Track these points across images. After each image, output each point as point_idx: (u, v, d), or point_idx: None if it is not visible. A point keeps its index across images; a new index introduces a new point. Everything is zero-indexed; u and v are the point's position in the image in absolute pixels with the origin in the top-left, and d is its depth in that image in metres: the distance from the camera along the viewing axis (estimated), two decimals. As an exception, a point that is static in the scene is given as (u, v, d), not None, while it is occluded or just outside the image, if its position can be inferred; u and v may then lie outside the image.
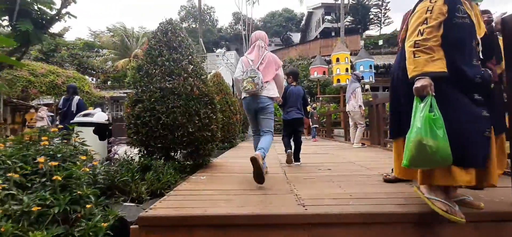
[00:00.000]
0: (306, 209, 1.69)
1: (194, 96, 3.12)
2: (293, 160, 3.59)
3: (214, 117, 3.35)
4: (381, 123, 5.57)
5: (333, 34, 33.60)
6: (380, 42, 32.05)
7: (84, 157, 2.18)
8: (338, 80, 12.25)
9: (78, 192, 1.76)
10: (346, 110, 6.27)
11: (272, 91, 2.84)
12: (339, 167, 3.40)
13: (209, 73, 16.39)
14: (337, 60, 12.26)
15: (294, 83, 3.84)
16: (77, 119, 3.70)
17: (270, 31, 39.34)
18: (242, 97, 2.91)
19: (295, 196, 2.03)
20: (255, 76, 2.67)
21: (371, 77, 12.04)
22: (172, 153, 3.22)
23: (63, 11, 4.51)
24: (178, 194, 2.14)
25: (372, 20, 36.13)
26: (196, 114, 3.09)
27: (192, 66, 3.24)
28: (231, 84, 8.99)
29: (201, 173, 3.07)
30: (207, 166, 3.43)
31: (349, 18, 32.48)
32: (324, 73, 12.67)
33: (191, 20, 38.95)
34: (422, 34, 1.50)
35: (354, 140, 6.14)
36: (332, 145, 7.24)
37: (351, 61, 12.74)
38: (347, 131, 7.75)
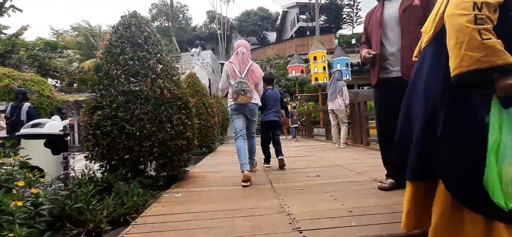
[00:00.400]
0: (304, 237, 1.39)
1: (165, 100, 2.71)
2: (284, 164, 3.53)
3: (189, 123, 2.96)
4: (363, 121, 5.47)
5: (308, 33, 34.04)
6: (353, 41, 33.05)
7: (21, 183, 1.71)
8: (316, 79, 12.25)
9: (9, 235, 1.34)
10: (330, 109, 6.06)
11: (256, 98, 3.09)
12: (328, 173, 3.16)
13: (183, 73, 15.74)
14: (315, 58, 12.25)
15: (270, 87, 3.87)
16: (24, 130, 3.12)
17: (245, 30, 39.05)
18: (232, 104, 3.01)
19: (287, 216, 1.73)
20: (248, 90, 2.88)
21: (347, 75, 12.16)
22: (141, 166, 2.78)
23: (7, 3, 3.85)
24: (146, 222, 1.74)
25: (345, 19, 37.18)
26: (168, 120, 2.68)
27: (162, 66, 2.82)
28: (207, 85, 8.54)
29: (176, 188, 2.67)
30: (183, 178, 3.03)
31: (323, 17, 33.06)
32: (302, 71, 12.60)
33: (163, 18, 37.52)
34: (480, 9, 0.97)
35: (340, 140, 5.98)
36: (314, 145, 7.09)
37: (328, 60, 12.80)
38: (328, 130, 7.65)
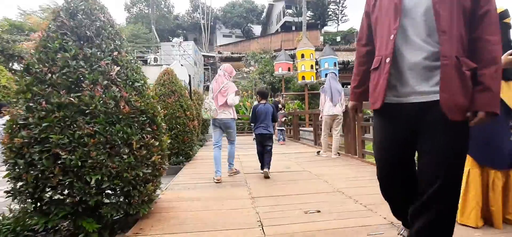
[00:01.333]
0: None
1: (122, 116, 2.01)
2: (268, 176, 3.79)
3: (157, 143, 2.27)
4: (359, 131, 5.00)
5: (294, 28, 33.59)
6: (338, 39, 33.06)
7: None
8: (303, 77, 11.75)
9: None
10: (331, 114, 5.43)
11: (227, 113, 3.67)
12: (331, 206, 2.59)
13: (162, 65, 14.71)
14: (302, 56, 11.74)
15: (263, 101, 4.12)
16: None
17: (230, 21, 37.93)
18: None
19: None
20: (210, 108, 3.55)
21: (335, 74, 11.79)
22: (84, 206, 2.06)
23: None
24: None
25: (330, 16, 37.07)
26: (125, 143, 1.98)
27: (119, 68, 2.10)
28: (187, 81, 7.76)
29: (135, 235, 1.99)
30: (146, 215, 2.34)
31: (309, 13, 32.67)
32: (289, 69, 12.06)
33: (143, 4, 35.46)
34: None
35: (333, 150, 5.50)
36: (303, 152, 6.57)
37: (315, 58, 12.34)
38: (317, 135, 7.18)
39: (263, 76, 18.58)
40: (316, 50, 16.70)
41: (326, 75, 5.85)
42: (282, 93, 11.53)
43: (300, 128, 9.37)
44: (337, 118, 5.42)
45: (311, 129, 9.18)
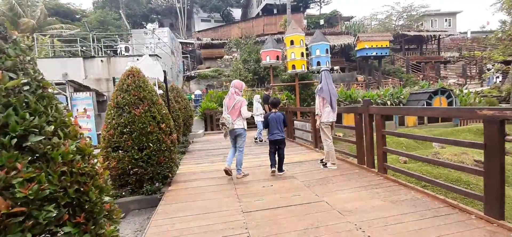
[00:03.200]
0: None
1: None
2: (276, 172, 4.53)
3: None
4: (379, 140, 4.06)
5: (275, 11, 32.15)
6: (321, 22, 32.11)
7: None
8: (294, 66, 10.68)
9: None
10: (331, 120, 4.72)
11: (240, 123, 4.40)
12: None
13: (132, 56, 13.00)
14: (291, 42, 10.62)
15: (274, 110, 4.58)
16: None
17: (208, 4, 35.69)
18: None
19: None
20: (226, 123, 4.24)
21: (327, 62, 10.85)
22: None
23: None
24: None
25: (313, -2, 35.86)
26: None
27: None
28: (162, 78, 6.45)
29: None
30: None
31: (291, -5, 31.27)
32: (277, 58, 10.93)
33: (111, -13, 32.31)
34: None
35: (330, 160, 4.71)
36: (304, 160, 5.62)
37: (306, 44, 11.28)
38: (317, 137, 6.24)
39: (247, 64, 17.33)
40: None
41: (319, 72, 4.93)
42: (271, 85, 10.45)
43: (295, 127, 8.39)
44: (334, 124, 4.88)
45: (305, 123, 8.25)
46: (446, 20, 37.32)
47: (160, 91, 6.43)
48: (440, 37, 28.80)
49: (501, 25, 20.90)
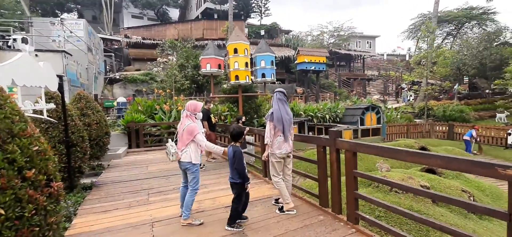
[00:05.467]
0: None
1: None
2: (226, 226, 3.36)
3: None
4: (350, 180, 3.25)
5: (216, 16, 30.93)
6: (262, 32, 32.27)
7: None
8: (237, 77, 9.63)
9: None
10: (284, 153, 3.74)
11: (188, 156, 3.39)
12: None
13: (35, 53, 9.91)
14: (235, 51, 9.58)
15: (233, 143, 3.41)
16: None
17: (141, 0, 32.13)
18: None
19: None
20: (169, 152, 3.43)
21: (272, 74, 10.18)
22: None
23: None
24: None
25: (253, 8, 35.99)
26: None
27: None
28: (55, 87, 4.49)
29: None
30: None
31: (233, 2, 30.61)
32: (219, 66, 9.71)
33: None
34: None
35: (284, 200, 3.75)
36: (254, 198, 4.52)
37: (251, 54, 10.39)
38: (265, 165, 5.25)
39: (184, 69, 15.51)
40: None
41: (273, 94, 3.88)
42: (211, 97, 9.15)
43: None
44: (290, 157, 3.87)
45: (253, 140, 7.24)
46: (368, 42, 42.25)
47: (50, 106, 4.47)
48: (365, 57, 32.16)
49: (418, 51, 24.15)
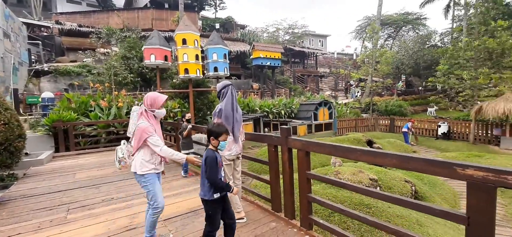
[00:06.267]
0: None
1: None
2: None
3: None
4: (304, 183, 2.92)
5: (167, 6, 28.95)
6: (217, 26, 31.26)
7: None
8: (187, 70, 8.85)
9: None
10: (235, 154, 3.29)
11: (135, 166, 2.59)
12: None
13: None
14: (184, 41, 8.77)
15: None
16: None
17: (78, -17, 28.45)
18: None
19: None
20: (120, 157, 2.75)
21: (225, 68, 9.61)
22: None
23: None
24: None
25: (208, 0, 34.67)
26: None
27: None
28: None
29: None
30: None
31: (185, -8, 28.93)
32: (165, 58, 8.79)
33: None
34: None
35: (235, 209, 3.31)
36: (194, 207, 3.98)
37: (201, 46, 9.66)
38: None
39: (128, 61, 13.96)
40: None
41: (224, 88, 3.30)
42: (160, 92, 8.22)
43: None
44: (239, 158, 3.43)
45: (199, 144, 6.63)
46: (320, 40, 44.14)
47: None
48: (317, 54, 33.44)
49: (364, 50, 25.78)
